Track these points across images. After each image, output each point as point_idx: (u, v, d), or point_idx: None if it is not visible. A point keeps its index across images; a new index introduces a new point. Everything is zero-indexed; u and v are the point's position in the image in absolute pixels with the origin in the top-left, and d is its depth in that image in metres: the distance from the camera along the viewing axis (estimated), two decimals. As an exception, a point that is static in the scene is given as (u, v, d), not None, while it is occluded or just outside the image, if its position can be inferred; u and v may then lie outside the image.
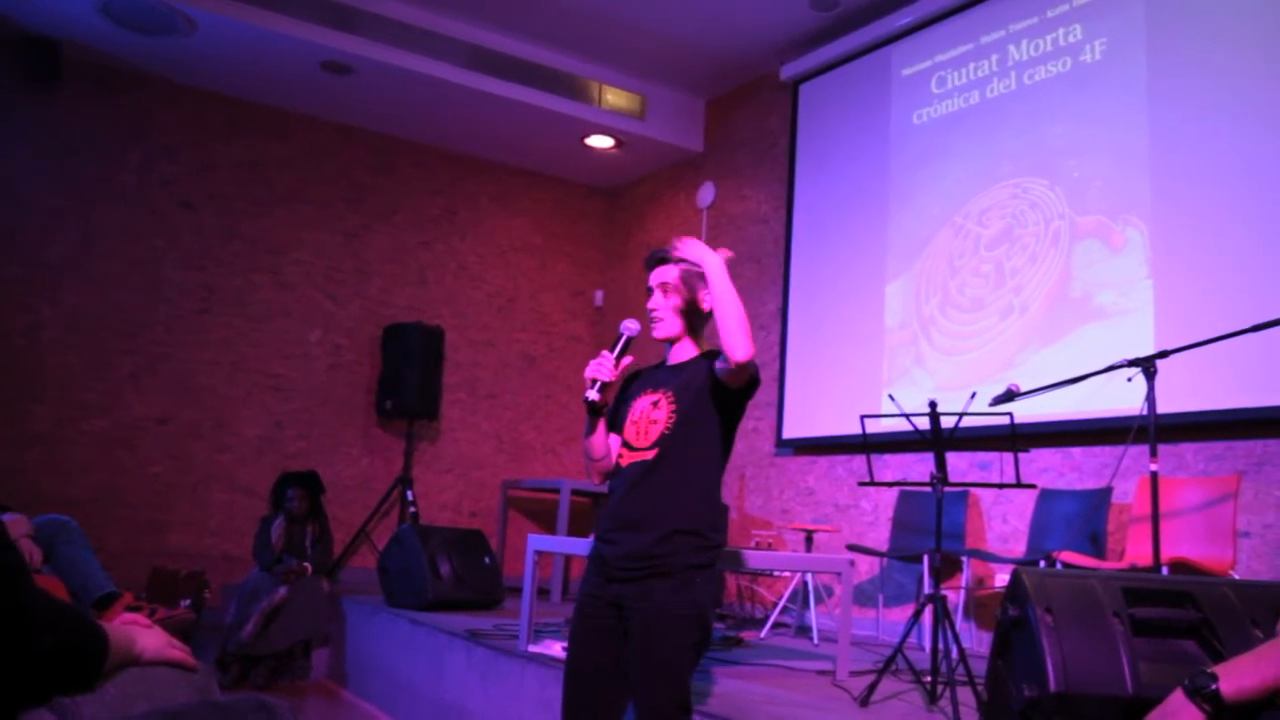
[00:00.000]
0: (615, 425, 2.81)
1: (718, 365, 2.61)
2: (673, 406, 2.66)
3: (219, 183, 7.28)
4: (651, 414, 2.69)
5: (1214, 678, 1.45)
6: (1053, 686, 2.02)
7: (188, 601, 5.68)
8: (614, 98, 7.58)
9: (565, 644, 3.84)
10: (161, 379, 6.96)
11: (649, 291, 2.78)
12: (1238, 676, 1.45)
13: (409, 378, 7.34)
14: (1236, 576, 3.94)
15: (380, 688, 5.28)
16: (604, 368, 2.66)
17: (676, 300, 2.74)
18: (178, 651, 1.64)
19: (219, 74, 7.03)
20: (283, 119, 7.55)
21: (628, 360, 2.74)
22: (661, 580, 2.56)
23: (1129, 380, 3.53)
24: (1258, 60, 4.58)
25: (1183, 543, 4.19)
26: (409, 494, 7.32)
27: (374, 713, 5.17)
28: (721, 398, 2.67)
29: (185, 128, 7.20)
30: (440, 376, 7.64)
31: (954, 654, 3.32)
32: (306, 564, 5.73)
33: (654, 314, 2.75)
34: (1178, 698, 1.48)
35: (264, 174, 7.45)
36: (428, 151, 8.15)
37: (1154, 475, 3.46)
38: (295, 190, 7.56)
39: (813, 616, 5.35)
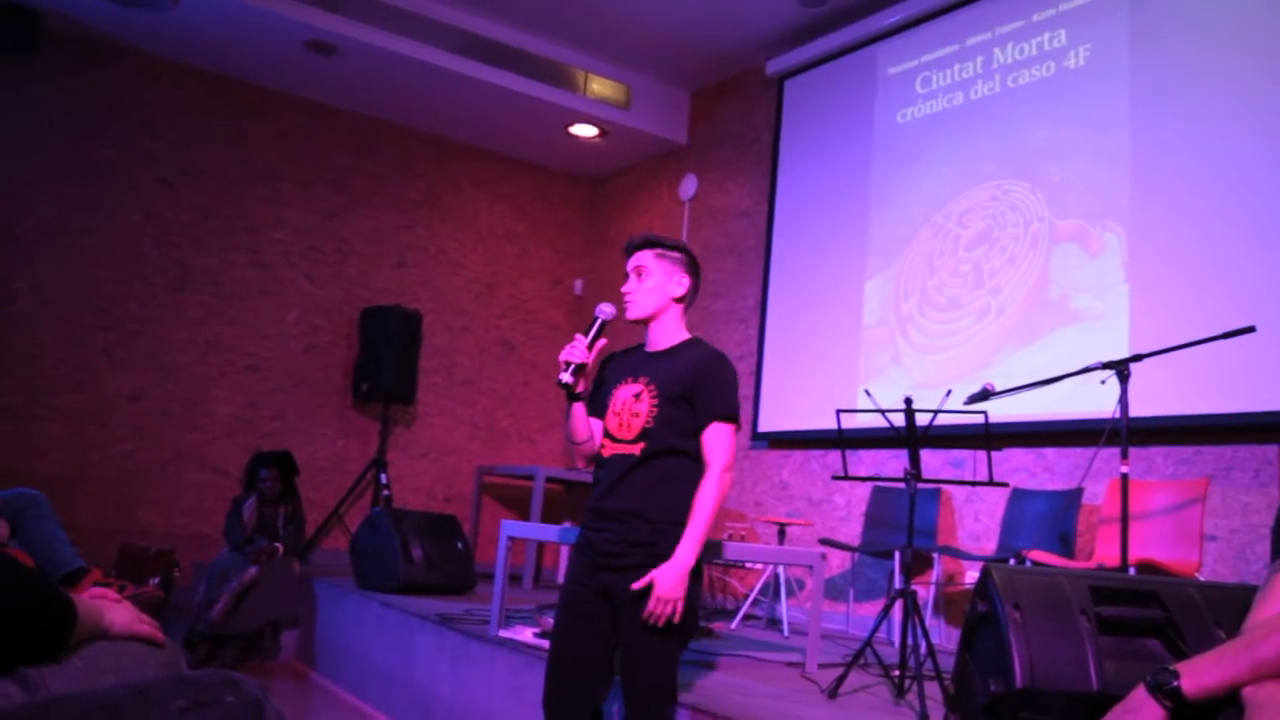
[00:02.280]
0: (596, 409, 2.83)
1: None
2: (655, 400, 2.68)
3: (199, 159, 7.22)
4: (634, 405, 2.70)
5: (1175, 675, 1.47)
6: (1018, 682, 2.04)
7: (156, 579, 5.64)
8: (599, 87, 7.57)
9: (537, 630, 3.86)
10: (135, 356, 6.90)
11: (625, 277, 2.80)
12: (1199, 674, 1.47)
13: (386, 361, 7.32)
14: (1202, 578, 3.99)
15: (349, 670, 5.27)
16: (577, 350, 2.69)
17: (650, 282, 2.76)
18: (146, 626, 1.64)
19: (202, 49, 6.96)
20: (265, 97, 7.49)
21: (602, 343, 2.76)
22: (652, 570, 2.58)
23: (1103, 383, 3.56)
24: (1240, 70, 4.62)
25: (1150, 544, 4.24)
26: (383, 477, 7.30)
27: (342, 695, 5.16)
28: None
29: (166, 103, 7.13)
30: (417, 361, 7.61)
31: (922, 649, 3.35)
32: (278, 544, 5.70)
33: (626, 297, 2.78)
34: (1140, 694, 1.50)
35: (245, 152, 7.40)
36: (411, 135, 8.11)
37: (1124, 477, 3.50)
38: (276, 169, 7.51)
39: (783, 609, 5.38)
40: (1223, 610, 2.07)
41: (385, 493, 7.21)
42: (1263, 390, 4.25)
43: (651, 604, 2.52)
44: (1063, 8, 5.47)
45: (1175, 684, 1.46)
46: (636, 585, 2.55)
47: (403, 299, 7.78)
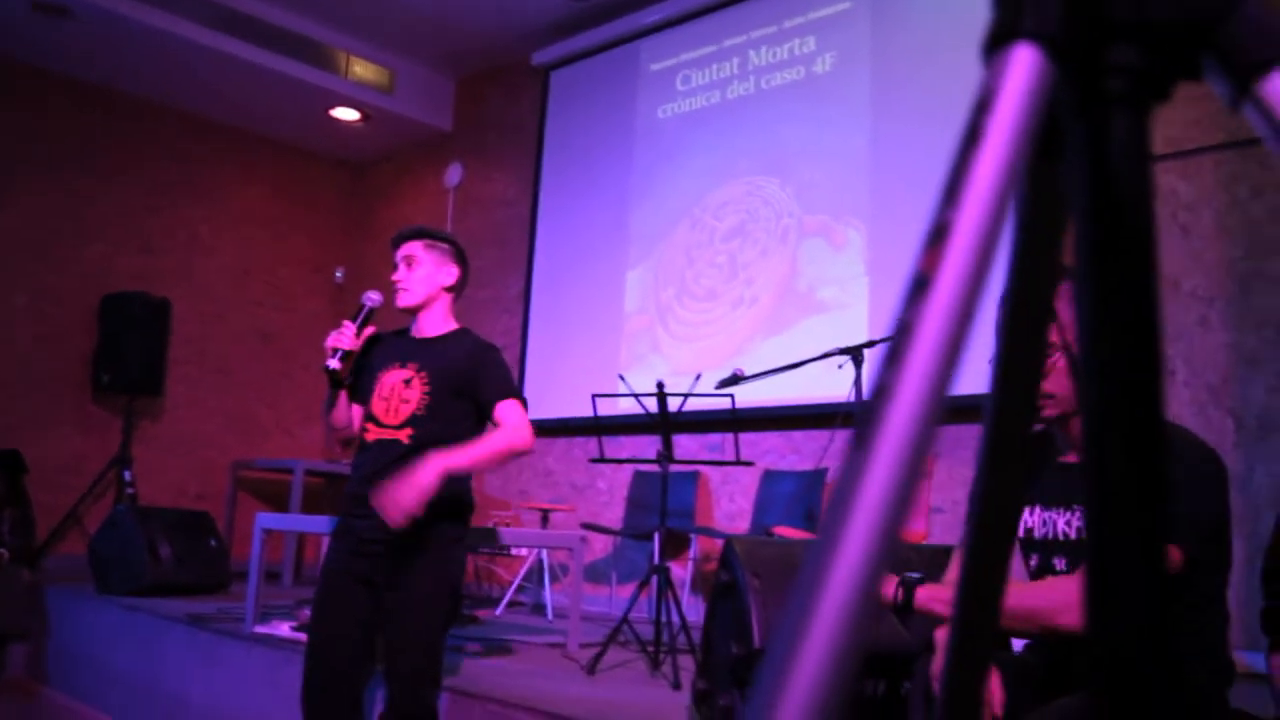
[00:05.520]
0: (359, 394, 2.81)
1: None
2: (426, 388, 2.68)
3: (-93, 129, 6.54)
4: (403, 392, 2.69)
5: (919, 582, 1.79)
6: (757, 643, 2.19)
7: None
8: (362, 70, 7.39)
9: (294, 624, 3.76)
10: None
11: (395, 266, 2.80)
12: (929, 597, 1.78)
13: (129, 350, 6.87)
14: (927, 547, 4.36)
15: (89, 682, 4.93)
16: (345, 337, 2.68)
17: (420, 271, 2.77)
18: None
19: (-90, 8, 6.30)
20: (-11, 64, 6.86)
21: (369, 331, 2.76)
22: (416, 556, 2.58)
23: (840, 367, 3.83)
24: (968, 83, 5.05)
25: (884, 518, 4.59)
26: (126, 474, 6.85)
27: (80, 709, 4.83)
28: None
29: None
30: (165, 350, 7.19)
31: (676, 623, 3.50)
32: (2, 550, 5.27)
33: (398, 285, 2.79)
34: (890, 579, 1.81)
35: (-37, 123, 6.75)
36: (160, 111, 7.63)
37: (859, 455, 3.78)
38: (7, 144, 6.88)
39: (547, 594, 5.46)
40: (934, 567, 2.30)
41: (129, 491, 6.78)
42: (982, 373, 4.66)
43: (398, 489, 2.44)
44: (811, 16, 5.80)
45: (915, 588, 1.77)
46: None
47: (150, 285, 7.30)
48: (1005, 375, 0.52)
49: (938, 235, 0.38)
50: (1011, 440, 0.54)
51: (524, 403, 2.77)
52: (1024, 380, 0.53)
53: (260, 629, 3.87)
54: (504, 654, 3.87)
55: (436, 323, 2.82)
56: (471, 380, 2.71)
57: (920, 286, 0.37)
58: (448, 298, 2.84)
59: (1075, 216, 0.44)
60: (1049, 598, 1.63)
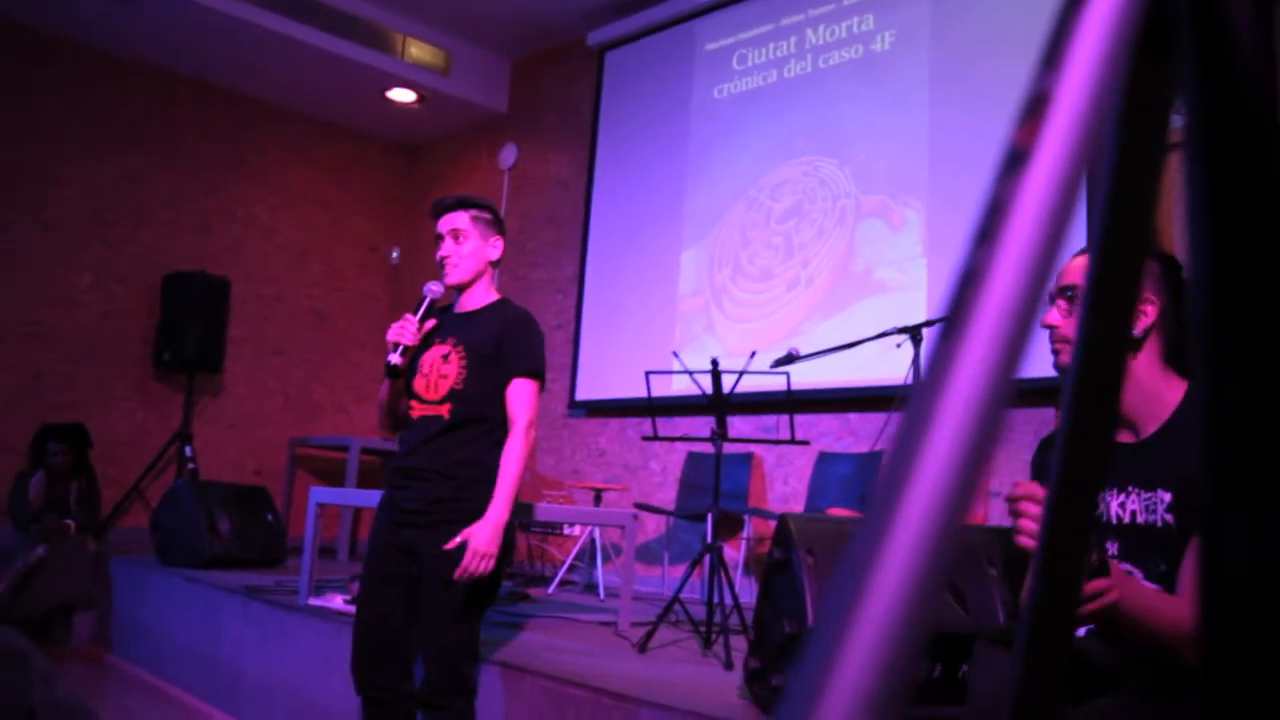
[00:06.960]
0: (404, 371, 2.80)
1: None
2: (463, 361, 2.67)
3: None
4: (441, 367, 2.69)
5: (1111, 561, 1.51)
6: (811, 622, 2.16)
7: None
8: (418, 51, 7.41)
9: (347, 597, 3.79)
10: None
11: (438, 239, 2.77)
12: (1135, 594, 1.49)
13: (189, 329, 6.98)
14: (985, 532, 4.28)
15: (150, 650, 5.03)
16: (407, 331, 2.67)
17: (468, 246, 2.75)
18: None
19: (-20, -10, 6.43)
20: (52, 43, 6.97)
21: (430, 324, 2.75)
22: (454, 527, 2.57)
23: (898, 346, 3.76)
24: (1025, 64, 4.93)
25: (940, 501, 4.51)
26: (187, 450, 6.97)
27: (143, 677, 4.93)
28: None
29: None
30: (225, 329, 7.30)
31: (728, 603, 3.47)
32: (69, 521, 5.39)
33: (446, 260, 2.75)
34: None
35: (27, 101, 6.86)
36: (217, 92, 7.72)
37: (916, 436, 3.71)
38: (65, 122, 7.00)
39: (599, 573, 5.46)
40: (991, 549, 2.25)
41: (190, 466, 6.90)
42: (1042, 358, 4.57)
43: (467, 559, 2.50)
44: (870, -7, 5.70)
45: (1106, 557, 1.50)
46: (449, 545, 2.53)
47: (208, 265, 7.41)
48: (1095, 314, 0.46)
49: (1036, 105, 0.34)
50: (1099, 395, 0.47)
51: (541, 379, 2.73)
52: (1116, 324, 0.47)
53: (314, 601, 3.91)
54: (557, 631, 3.87)
55: (478, 296, 2.80)
56: (499, 349, 2.68)
57: (1016, 160, 0.33)
58: (492, 271, 2.83)
59: (1186, 120, 0.39)
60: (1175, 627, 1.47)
